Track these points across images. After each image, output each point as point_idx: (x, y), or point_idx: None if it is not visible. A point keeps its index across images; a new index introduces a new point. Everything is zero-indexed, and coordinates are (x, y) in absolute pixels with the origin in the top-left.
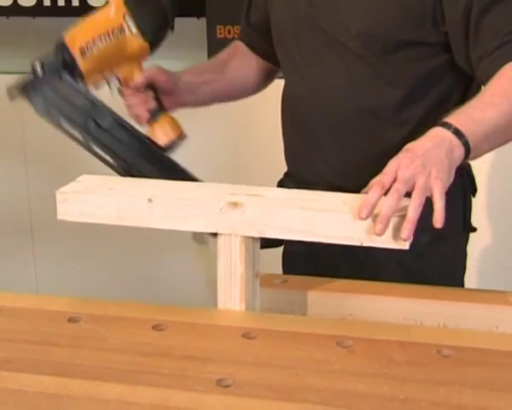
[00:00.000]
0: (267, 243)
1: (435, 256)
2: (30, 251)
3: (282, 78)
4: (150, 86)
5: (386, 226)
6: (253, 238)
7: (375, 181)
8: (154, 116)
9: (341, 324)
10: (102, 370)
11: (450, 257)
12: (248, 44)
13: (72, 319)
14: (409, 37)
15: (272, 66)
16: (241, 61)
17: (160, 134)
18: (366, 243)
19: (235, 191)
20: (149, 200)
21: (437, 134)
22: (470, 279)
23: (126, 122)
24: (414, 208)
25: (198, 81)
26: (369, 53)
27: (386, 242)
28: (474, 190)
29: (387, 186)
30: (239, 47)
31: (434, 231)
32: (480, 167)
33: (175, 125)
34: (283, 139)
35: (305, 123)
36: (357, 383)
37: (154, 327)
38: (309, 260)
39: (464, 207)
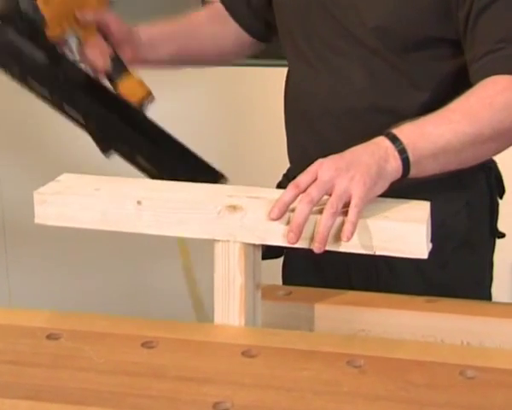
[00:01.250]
0: (265, 254)
1: (460, 266)
2: (2, 259)
3: (284, 65)
4: (104, 37)
5: (297, 235)
6: (254, 245)
7: (293, 181)
8: (116, 74)
9: (352, 340)
10: (86, 392)
11: (476, 266)
12: (230, 9)
13: (51, 336)
14: (432, 33)
15: (254, 40)
16: (217, 25)
17: (126, 94)
18: (380, 252)
19: (233, 193)
20: (138, 202)
21: (374, 141)
22: (500, 292)
23: (97, 78)
24: (325, 217)
25: (161, 37)
26: (386, 50)
27: (401, 251)
28: (501, 192)
29: (303, 187)
30: (218, 9)
31: (459, 237)
32: (509, 166)
33: (141, 84)
34: (287, 136)
35: (312, 121)
36: (370, 408)
37: (143, 344)
38: (315, 270)
39: (490, 211)
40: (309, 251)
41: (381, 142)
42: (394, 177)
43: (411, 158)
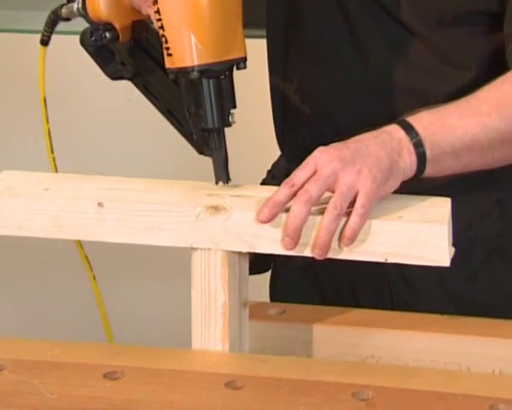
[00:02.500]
0: (250, 267)
1: (491, 278)
2: None
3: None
4: None
5: (294, 240)
6: (240, 254)
7: (288, 178)
8: None
9: (359, 369)
10: None
11: (510, 279)
12: None
13: None
14: (473, 6)
15: None
16: None
17: None
18: (392, 260)
19: (215, 191)
20: (99, 204)
21: (386, 130)
22: None
23: None
24: (327, 219)
25: None
26: (419, 21)
27: (418, 258)
28: None
29: (300, 183)
30: None
31: (490, 243)
32: None
33: None
34: (281, 132)
35: (326, 106)
36: None
37: (106, 375)
38: (313, 285)
39: None
40: (304, 262)
41: (394, 131)
42: (407, 175)
43: (428, 154)
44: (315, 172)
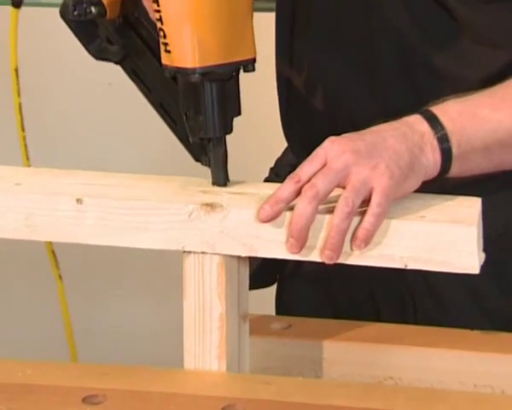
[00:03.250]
0: (252, 282)
1: None
2: None
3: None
4: None
5: (300, 242)
6: (239, 259)
7: (294, 172)
8: None
9: (375, 391)
10: None
11: None
12: None
13: None
14: None
15: None
16: None
17: None
18: (413, 266)
19: (210, 188)
20: (78, 200)
21: (407, 120)
22: None
23: None
24: (337, 218)
25: None
26: None
27: (443, 263)
28: None
29: (306, 178)
30: None
31: None
32: None
33: None
34: (291, 125)
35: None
36: None
37: (85, 400)
38: (324, 296)
39: None
40: (315, 271)
41: (417, 123)
42: (429, 174)
43: (455, 150)
44: (324, 166)
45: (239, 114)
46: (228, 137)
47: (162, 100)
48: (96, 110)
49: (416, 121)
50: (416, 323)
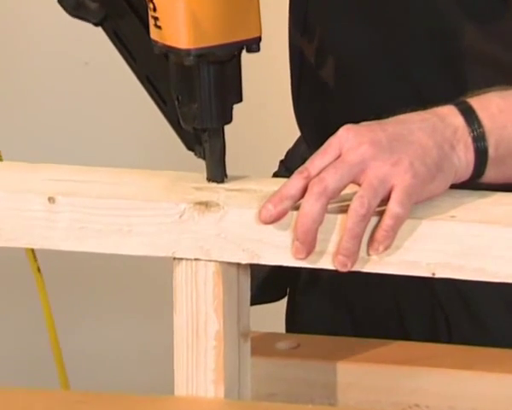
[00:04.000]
0: (258, 295)
1: None
2: None
3: None
4: None
5: (306, 245)
6: (239, 266)
7: (303, 165)
8: None
9: None
10: None
11: None
12: None
13: None
14: None
15: None
16: None
17: None
18: (442, 274)
19: (205, 184)
20: (50, 199)
21: (440, 113)
22: None
23: None
24: (352, 219)
25: None
26: None
27: (476, 271)
28: None
29: (315, 173)
30: None
31: None
32: None
33: None
34: (303, 110)
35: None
36: None
37: None
38: (345, 311)
39: None
40: (332, 282)
41: (450, 115)
42: (460, 176)
43: (492, 152)
44: (338, 157)
45: (240, 100)
46: (227, 127)
47: (150, 73)
48: (71, 93)
49: (450, 113)
50: (449, 341)
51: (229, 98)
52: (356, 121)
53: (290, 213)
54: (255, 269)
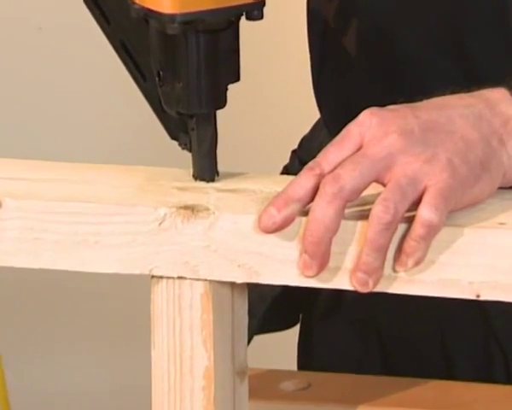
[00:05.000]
0: (267, 322)
1: None
2: None
3: None
4: None
5: (316, 259)
6: (234, 287)
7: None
8: None
9: None
10: None
11: None
12: None
13: None
14: None
15: None
16: None
17: None
18: (489, 296)
19: (191, 183)
20: None
21: (489, 97)
22: None
23: None
24: (374, 227)
25: None
26: None
27: None
28: None
29: (330, 169)
30: None
31: None
32: None
33: None
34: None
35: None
36: None
37: None
38: (374, 338)
39: None
40: (358, 303)
41: (501, 101)
42: (509, 179)
43: None
44: (359, 149)
45: (237, 79)
46: (220, 112)
47: (125, 38)
48: (23, 60)
49: (501, 99)
50: (507, 381)
51: (224, 77)
52: (382, 102)
53: (298, 219)
54: (264, 288)
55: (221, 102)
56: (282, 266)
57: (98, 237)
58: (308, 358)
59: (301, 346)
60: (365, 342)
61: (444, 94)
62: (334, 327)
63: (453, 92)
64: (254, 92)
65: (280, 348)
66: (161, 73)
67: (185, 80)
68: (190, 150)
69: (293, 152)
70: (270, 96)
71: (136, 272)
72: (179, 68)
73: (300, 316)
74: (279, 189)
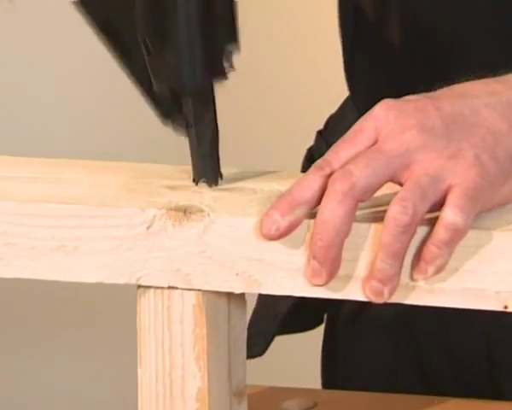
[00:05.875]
0: (292, 323)
1: None
2: None
3: None
4: None
5: (326, 266)
6: (230, 297)
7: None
8: None
9: None
10: None
11: None
12: None
13: None
14: None
15: None
16: None
17: None
18: None
19: (184, 181)
20: None
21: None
22: None
23: None
24: (389, 233)
25: None
26: None
27: None
28: None
29: (340, 164)
30: None
31: None
32: None
33: None
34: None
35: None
36: None
37: None
38: (409, 352)
39: None
40: (389, 312)
41: None
42: None
43: None
44: (374, 143)
45: (235, 41)
46: (221, 102)
47: (108, 15)
48: None
49: None
50: None
51: (221, 44)
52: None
53: (305, 221)
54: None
55: (220, 73)
56: (286, 274)
57: (78, 243)
58: (333, 364)
59: (325, 351)
60: (400, 350)
61: (468, 79)
62: (361, 331)
63: (479, 77)
64: (258, 85)
65: (282, 363)
66: (148, 41)
67: (176, 46)
68: (187, 133)
69: (319, 133)
70: (273, 88)
71: (122, 281)
72: (169, 32)
73: (325, 316)
74: (282, 188)
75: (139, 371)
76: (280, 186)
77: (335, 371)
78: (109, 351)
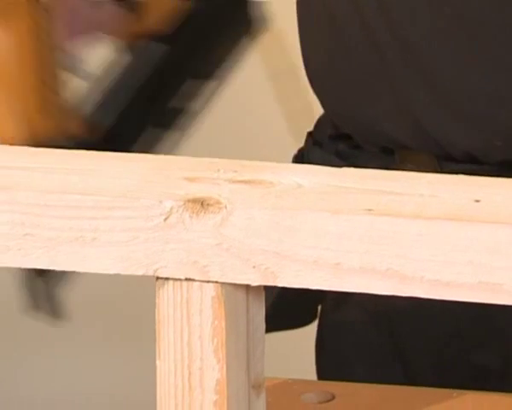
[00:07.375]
0: (278, 321)
1: None
2: None
3: None
4: None
5: None
6: (248, 289)
7: None
8: None
9: None
10: None
11: None
12: None
13: None
14: None
15: None
16: None
17: None
18: None
19: (201, 172)
20: None
21: None
22: None
23: None
24: None
25: None
26: None
27: None
28: None
29: None
30: None
31: None
32: None
33: None
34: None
35: None
36: None
37: None
38: (386, 332)
39: None
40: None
41: None
42: None
43: None
44: None
45: None
46: (236, 100)
47: None
48: None
49: None
50: None
51: None
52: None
53: None
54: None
55: None
56: (304, 266)
57: (96, 234)
58: (321, 351)
59: (317, 339)
60: (380, 336)
61: None
62: (346, 314)
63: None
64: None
65: (300, 354)
66: None
67: None
68: None
69: (309, 134)
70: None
71: (139, 273)
72: None
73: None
74: (300, 180)
75: (158, 363)
76: (297, 178)
77: (322, 359)
78: (111, 349)
